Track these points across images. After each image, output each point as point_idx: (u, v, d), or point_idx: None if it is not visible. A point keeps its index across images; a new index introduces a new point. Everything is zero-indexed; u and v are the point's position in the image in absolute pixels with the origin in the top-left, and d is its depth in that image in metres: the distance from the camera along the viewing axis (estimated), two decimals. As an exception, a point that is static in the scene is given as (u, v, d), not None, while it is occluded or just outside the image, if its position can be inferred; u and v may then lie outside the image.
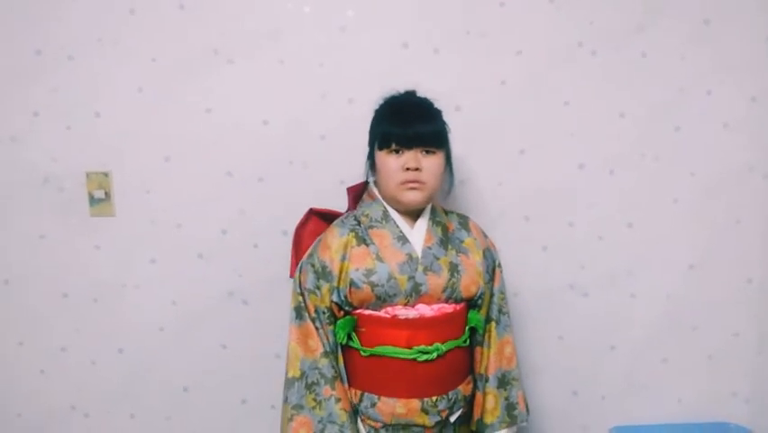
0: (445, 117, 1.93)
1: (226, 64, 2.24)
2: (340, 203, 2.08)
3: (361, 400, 1.89)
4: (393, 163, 1.81)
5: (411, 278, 1.84)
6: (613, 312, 2.46)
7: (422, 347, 1.83)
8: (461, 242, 1.97)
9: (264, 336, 2.36)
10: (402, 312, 1.85)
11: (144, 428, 2.47)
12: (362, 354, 1.87)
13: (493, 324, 2.00)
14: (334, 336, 1.88)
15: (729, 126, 2.33)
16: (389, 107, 1.89)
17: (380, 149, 1.83)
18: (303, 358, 1.86)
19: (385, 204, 1.91)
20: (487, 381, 1.99)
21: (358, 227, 1.90)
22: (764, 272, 2.44)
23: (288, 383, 1.87)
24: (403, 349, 1.83)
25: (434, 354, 1.83)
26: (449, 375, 1.91)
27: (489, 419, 1.98)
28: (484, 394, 2.00)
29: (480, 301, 1.98)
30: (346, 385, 1.90)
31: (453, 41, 2.26)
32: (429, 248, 1.88)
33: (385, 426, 1.88)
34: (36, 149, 2.27)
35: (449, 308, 1.89)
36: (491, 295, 2.01)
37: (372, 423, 1.89)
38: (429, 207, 1.94)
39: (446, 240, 1.93)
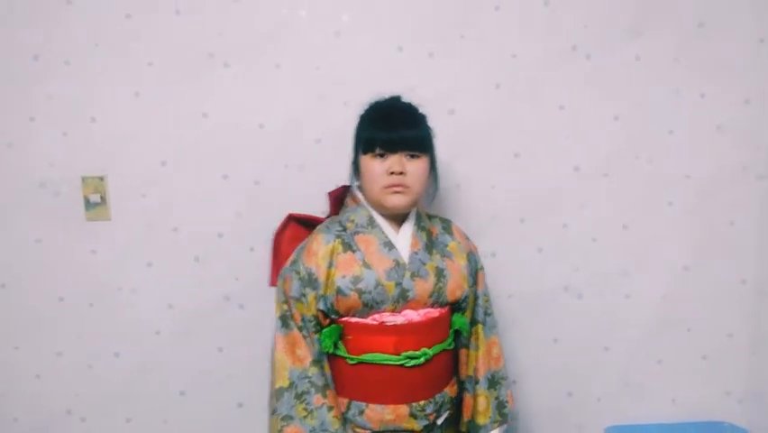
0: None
1: (222, 68, 2.24)
2: (337, 207, 2.08)
3: (348, 409, 1.87)
4: (377, 167, 1.80)
5: (398, 284, 1.82)
6: (608, 313, 2.48)
7: (410, 353, 1.82)
8: (446, 246, 1.96)
9: (260, 339, 2.33)
10: (389, 318, 1.84)
11: (141, 432, 2.46)
12: (349, 362, 1.86)
13: (480, 326, 2.01)
14: (320, 344, 1.86)
15: (723, 128, 2.35)
16: (374, 112, 1.88)
17: (365, 153, 1.82)
18: (291, 368, 1.83)
19: (370, 209, 1.90)
20: (477, 382, 2.00)
21: (344, 233, 1.88)
22: (758, 273, 2.46)
23: (277, 394, 1.83)
24: (391, 356, 1.82)
25: (422, 359, 1.83)
26: (436, 379, 1.91)
27: (481, 420, 1.99)
28: (475, 396, 2.00)
29: (464, 304, 1.97)
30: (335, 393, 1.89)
31: (448, 45, 2.27)
32: (416, 253, 1.88)
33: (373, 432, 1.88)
34: (32, 153, 2.26)
35: (435, 312, 1.89)
36: (476, 298, 2.01)
37: (361, 430, 1.87)
38: (414, 211, 1.93)
39: (431, 245, 1.93)
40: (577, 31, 2.28)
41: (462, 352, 2.03)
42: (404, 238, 1.89)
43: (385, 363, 1.82)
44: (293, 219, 2.08)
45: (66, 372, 2.41)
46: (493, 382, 2.00)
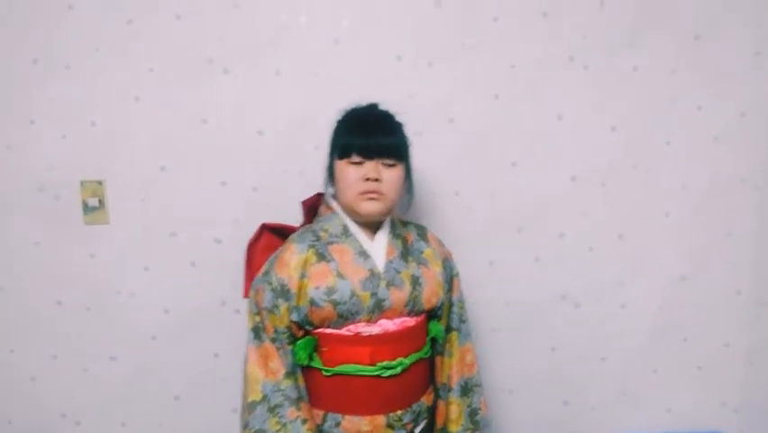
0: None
1: (222, 73, 2.24)
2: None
3: (324, 421, 1.84)
4: (353, 174, 1.78)
5: (374, 294, 1.79)
6: (604, 322, 2.49)
7: (386, 363, 1.80)
8: (421, 253, 1.94)
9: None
10: (365, 329, 1.81)
11: (136, 436, 2.47)
12: (325, 373, 1.82)
13: (454, 333, 1.98)
14: (294, 356, 1.83)
15: (719, 139, 2.37)
16: (351, 118, 1.86)
17: (341, 158, 1.80)
18: (264, 381, 1.79)
19: (344, 217, 1.88)
20: (450, 390, 1.97)
21: (317, 243, 1.84)
22: (754, 284, 2.47)
23: (249, 408, 1.80)
24: (366, 366, 1.79)
25: (399, 369, 1.81)
26: (413, 388, 1.89)
27: (453, 428, 1.97)
28: (447, 403, 1.98)
29: (440, 312, 1.95)
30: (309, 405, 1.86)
31: (447, 54, 2.28)
32: (391, 262, 1.85)
33: None
34: (32, 157, 2.27)
35: (411, 321, 1.86)
36: (451, 305, 1.99)
37: None
38: (389, 219, 1.91)
39: (406, 252, 1.90)
40: (575, 41, 2.29)
41: (438, 359, 2.01)
42: (379, 247, 1.87)
43: (361, 374, 1.80)
44: (266, 229, 2.05)
45: (62, 375, 2.41)
46: (466, 390, 1.98)
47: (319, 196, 1.99)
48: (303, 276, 1.79)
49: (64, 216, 2.31)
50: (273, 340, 1.81)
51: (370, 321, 1.81)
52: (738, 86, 2.34)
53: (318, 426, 1.84)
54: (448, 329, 1.99)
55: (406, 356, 1.83)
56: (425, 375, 1.96)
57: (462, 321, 2.01)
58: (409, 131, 2.01)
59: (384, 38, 2.27)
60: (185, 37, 2.22)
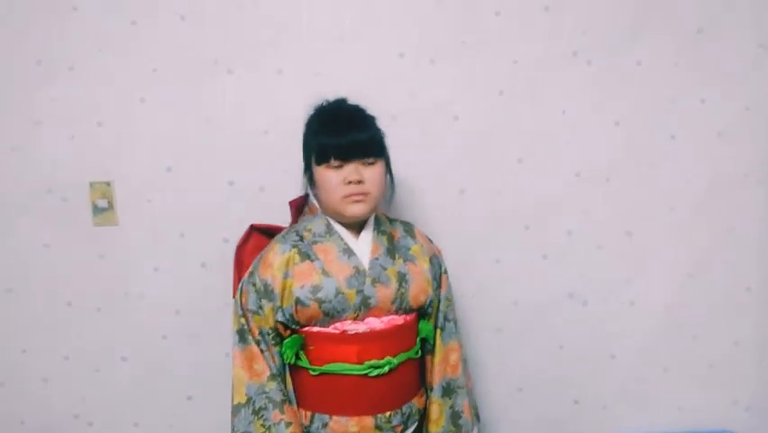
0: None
1: (226, 74, 2.26)
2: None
3: (312, 422, 1.83)
4: (334, 178, 1.76)
5: (360, 291, 1.79)
6: (613, 320, 2.46)
7: (373, 362, 1.78)
8: (408, 249, 1.92)
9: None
10: (351, 327, 1.80)
11: (147, 437, 2.48)
12: (312, 373, 1.82)
13: (438, 331, 1.96)
14: (281, 357, 1.83)
15: (723, 134, 2.35)
16: (322, 118, 1.86)
17: (319, 164, 1.79)
18: (249, 383, 1.80)
19: (327, 217, 1.88)
20: (431, 390, 1.95)
21: (300, 243, 1.84)
22: (763, 280, 2.44)
23: (235, 411, 1.81)
24: (354, 365, 1.78)
25: (386, 368, 1.79)
26: (402, 389, 1.87)
27: (433, 429, 1.94)
28: (429, 403, 1.95)
29: (429, 310, 1.93)
30: (295, 407, 1.85)
31: (450, 51, 2.28)
32: (376, 259, 1.84)
33: None
34: (39, 159, 2.29)
35: (399, 319, 1.84)
36: (438, 302, 1.96)
37: None
38: (373, 216, 1.90)
39: (393, 249, 1.89)
40: (578, 36, 2.29)
41: (428, 359, 1.99)
42: (364, 244, 1.86)
43: (348, 373, 1.79)
44: (255, 230, 2.05)
45: (73, 376, 2.43)
46: (448, 391, 1.95)
47: (305, 197, 1.99)
48: (287, 276, 1.79)
49: (73, 218, 2.33)
50: (258, 342, 1.82)
51: (356, 319, 1.80)
52: (742, 79, 2.33)
53: (306, 427, 1.84)
54: (434, 328, 1.97)
55: (394, 355, 1.81)
56: (416, 376, 1.94)
57: (447, 319, 1.98)
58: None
59: (386, 35, 2.28)
60: (189, 38, 2.24)
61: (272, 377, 1.80)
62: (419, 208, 2.35)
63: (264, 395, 1.79)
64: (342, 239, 1.85)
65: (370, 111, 1.89)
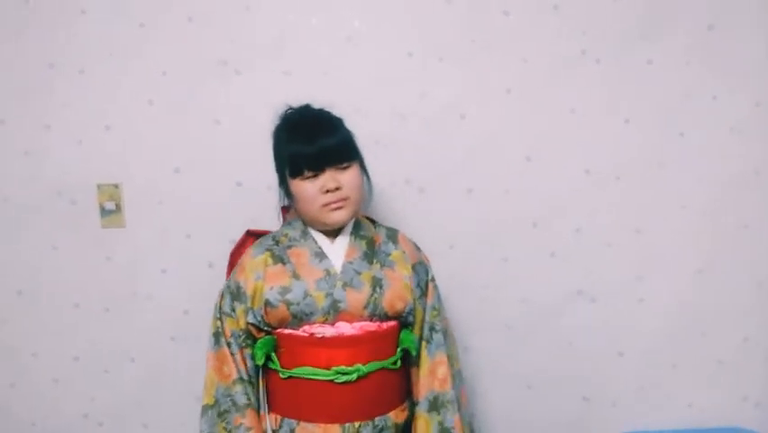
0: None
1: (234, 75, 2.26)
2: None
3: (281, 426, 1.80)
4: (310, 189, 1.73)
5: (329, 294, 1.75)
6: (622, 318, 2.46)
7: (341, 368, 1.73)
8: (388, 255, 1.87)
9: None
10: (319, 330, 1.76)
11: (157, 437, 2.49)
12: (281, 375, 1.79)
13: (424, 343, 1.88)
14: (253, 359, 1.81)
15: (735, 131, 2.34)
16: (289, 127, 1.83)
17: (293, 176, 1.76)
18: (218, 385, 1.79)
19: (304, 222, 1.86)
20: (417, 404, 1.87)
21: (275, 247, 1.84)
22: (773, 277, 2.44)
23: (202, 412, 1.81)
24: (321, 370, 1.74)
25: (354, 376, 1.73)
26: (374, 400, 1.80)
27: None
28: (415, 418, 1.87)
29: (411, 319, 1.86)
30: (264, 412, 1.83)
31: (458, 50, 2.27)
32: (350, 263, 1.80)
33: None
34: (48, 162, 2.30)
35: (372, 326, 1.79)
36: (424, 312, 1.89)
37: None
38: (352, 221, 1.86)
39: (372, 254, 1.85)
40: (587, 35, 2.28)
41: (413, 372, 1.92)
42: (339, 248, 1.83)
43: (315, 377, 1.75)
44: (251, 235, 2.03)
45: (82, 377, 2.43)
46: (435, 405, 1.85)
47: None
48: (258, 278, 1.79)
49: (81, 220, 2.34)
50: (229, 344, 1.81)
51: (326, 322, 1.77)
52: (753, 75, 2.31)
53: (275, 432, 1.81)
54: (419, 339, 1.89)
55: (364, 363, 1.76)
56: (393, 389, 1.87)
57: (435, 330, 1.89)
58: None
59: (394, 35, 2.27)
60: (197, 39, 2.24)
61: (239, 380, 1.79)
62: (427, 207, 2.34)
63: (229, 398, 1.79)
64: (316, 242, 1.83)
65: (336, 113, 1.86)
